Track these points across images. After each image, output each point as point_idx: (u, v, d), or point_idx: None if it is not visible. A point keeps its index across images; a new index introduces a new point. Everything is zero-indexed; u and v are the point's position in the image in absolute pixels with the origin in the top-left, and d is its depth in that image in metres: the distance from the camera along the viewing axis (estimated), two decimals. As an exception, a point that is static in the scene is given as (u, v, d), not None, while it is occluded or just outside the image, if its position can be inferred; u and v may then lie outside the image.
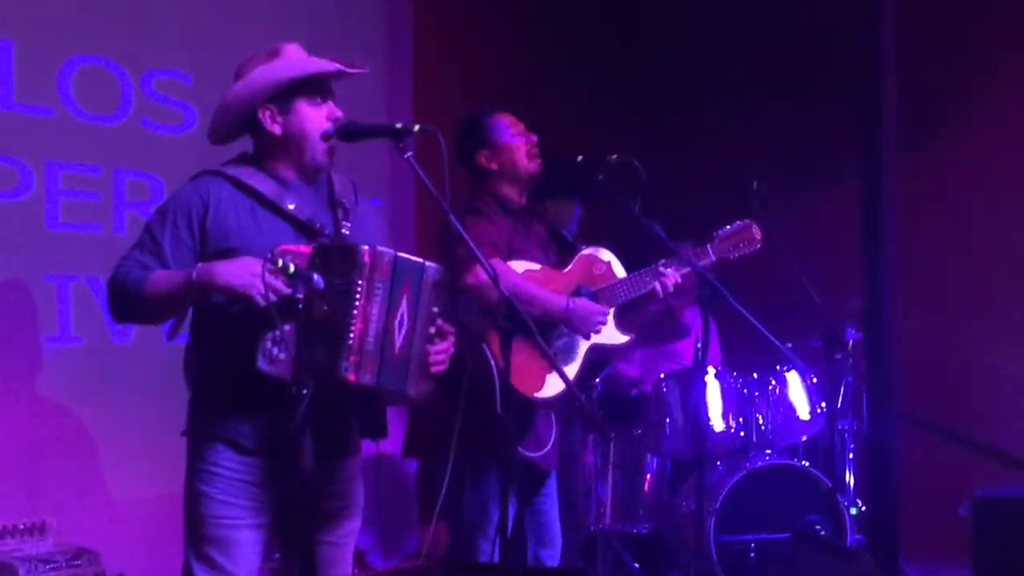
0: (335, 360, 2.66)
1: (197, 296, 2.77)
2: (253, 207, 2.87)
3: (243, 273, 2.70)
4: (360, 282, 2.69)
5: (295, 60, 2.94)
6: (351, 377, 2.68)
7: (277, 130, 2.91)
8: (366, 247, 2.72)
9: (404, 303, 2.77)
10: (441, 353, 2.86)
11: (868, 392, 4.94)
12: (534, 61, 6.46)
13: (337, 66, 2.93)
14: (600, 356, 4.03)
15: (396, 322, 2.76)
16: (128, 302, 2.82)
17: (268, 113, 2.90)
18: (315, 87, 2.91)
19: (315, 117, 2.91)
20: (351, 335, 2.67)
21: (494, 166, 3.84)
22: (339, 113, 2.94)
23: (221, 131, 2.98)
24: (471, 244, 2.92)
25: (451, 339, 2.90)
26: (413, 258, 2.82)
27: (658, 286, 3.85)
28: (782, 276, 4.48)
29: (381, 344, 2.72)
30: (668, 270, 3.86)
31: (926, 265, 5.68)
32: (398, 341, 2.76)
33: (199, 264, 2.76)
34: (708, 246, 3.99)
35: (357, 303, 2.68)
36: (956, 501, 4.73)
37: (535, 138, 3.87)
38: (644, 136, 5.94)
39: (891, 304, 4.62)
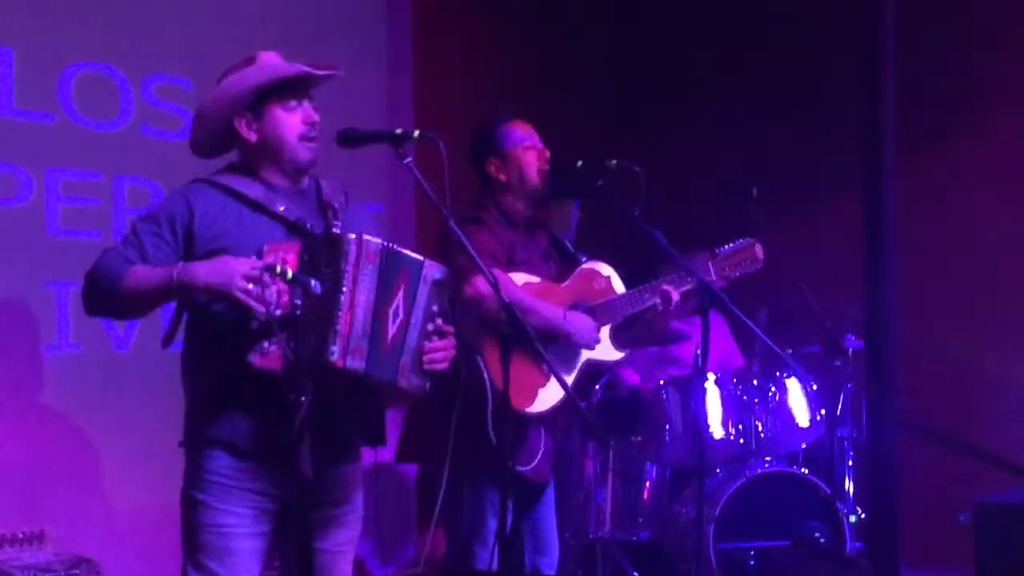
0: (323, 345, 2.66)
1: (177, 295, 2.78)
2: (242, 211, 2.87)
3: (221, 274, 2.69)
4: (347, 268, 2.70)
5: (266, 66, 2.94)
6: (339, 363, 2.68)
7: (253, 137, 2.91)
8: (352, 235, 2.74)
9: (400, 295, 2.78)
10: (439, 351, 2.86)
11: (868, 399, 4.94)
12: (534, 66, 6.45)
13: (304, 69, 2.93)
14: (595, 370, 4.01)
15: (390, 311, 2.76)
16: (103, 292, 2.81)
17: (244, 121, 2.91)
18: (287, 91, 2.91)
19: (289, 121, 2.91)
20: (339, 321, 2.68)
21: (502, 177, 3.81)
22: (315, 116, 2.94)
23: (200, 143, 2.99)
24: (472, 251, 2.92)
25: (451, 339, 2.89)
26: (411, 254, 2.83)
27: (659, 302, 3.82)
28: (782, 282, 4.48)
29: (371, 330, 2.73)
30: (669, 288, 3.83)
31: (927, 271, 5.67)
32: (391, 331, 2.76)
33: (180, 263, 2.77)
34: (710, 264, 3.97)
35: (345, 289, 2.70)
36: (957, 508, 4.72)
37: (548, 153, 3.83)
38: (644, 141, 5.94)
39: (892, 310, 4.62)
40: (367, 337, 2.72)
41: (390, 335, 2.76)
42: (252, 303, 2.65)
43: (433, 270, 2.84)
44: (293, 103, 2.91)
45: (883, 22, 4.59)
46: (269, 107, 2.90)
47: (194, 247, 2.83)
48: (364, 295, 2.72)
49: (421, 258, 2.84)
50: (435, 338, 2.85)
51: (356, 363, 2.71)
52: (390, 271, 2.76)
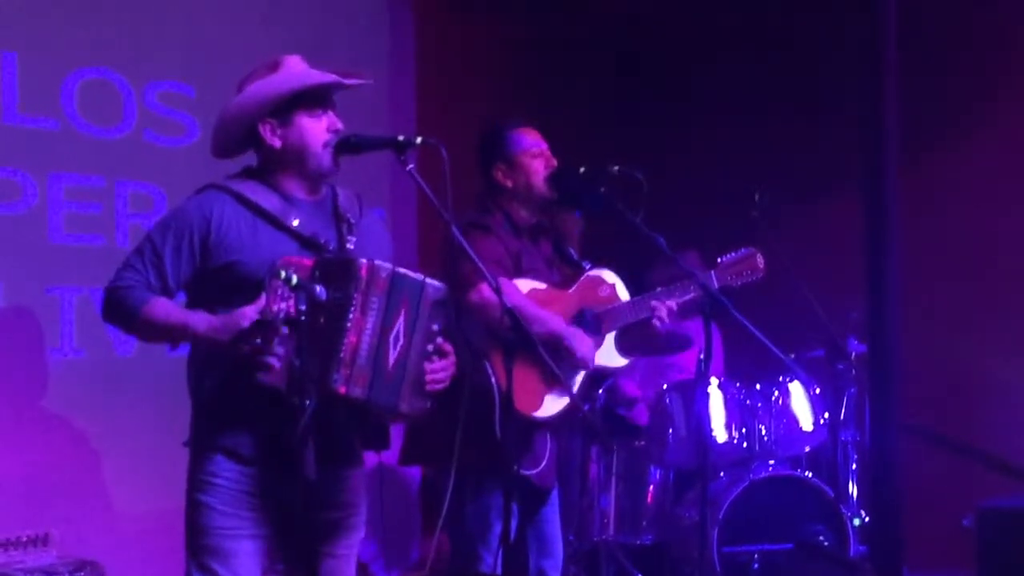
0: (327, 372, 2.67)
1: (189, 341, 2.84)
2: (256, 223, 2.87)
3: (232, 341, 2.72)
4: (356, 295, 2.70)
5: (293, 73, 2.94)
6: (341, 390, 2.69)
7: (277, 143, 2.91)
8: (364, 261, 2.74)
9: (401, 320, 2.77)
10: (439, 371, 2.86)
11: (871, 402, 4.93)
12: (535, 70, 6.46)
13: (334, 77, 2.94)
14: (599, 375, 4.01)
15: (391, 337, 2.76)
16: (121, 316, 2.86)
17: (268, 127, 2.91)
18: (314, 99, 2.92)
19: (315, 129, 2.91)
20: (343, 348, 2.68)
21: (508, 183, 3.80)
22: (340, 124, 2.94)
23: (222, 146, 2.99)
24: (475, 258, 2.92)
25: (451, 358, 2.89)
26: (413, 274, 2.82)
27: (656, 321, 3.81)
28: (785, 286, 4.47)
29: (374, 358, 2.73)
30: (659, 304, 3.82)
31: (930, 274, 5.66)
32: (392, 357, 2.76)
33: (198, 317, 2.79)
34: (711, 272, 3.97)
35: (352, 316, 2.70)
36: (960, 512, 4.72)
37: (555, 162, 3.82)
38: (646, 146, 5.94)
39: (894, 314, 4.61)
40: (370, 365, 2.72)
41: (391, 361, 2.76)
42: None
43: (433, 289, 2.83)
44: (319, 111, 2.92)
45: (885, 23, 4.59)
46: (295, 114, 2.90)
47: (209, 259, 2.84)
48: (370, 323, 2.72)
49: (422, 278, 2.83)
50: (435, 358, 2.85)
51: (358, 391, 2.71)
52: (394, 296, 2.76)
